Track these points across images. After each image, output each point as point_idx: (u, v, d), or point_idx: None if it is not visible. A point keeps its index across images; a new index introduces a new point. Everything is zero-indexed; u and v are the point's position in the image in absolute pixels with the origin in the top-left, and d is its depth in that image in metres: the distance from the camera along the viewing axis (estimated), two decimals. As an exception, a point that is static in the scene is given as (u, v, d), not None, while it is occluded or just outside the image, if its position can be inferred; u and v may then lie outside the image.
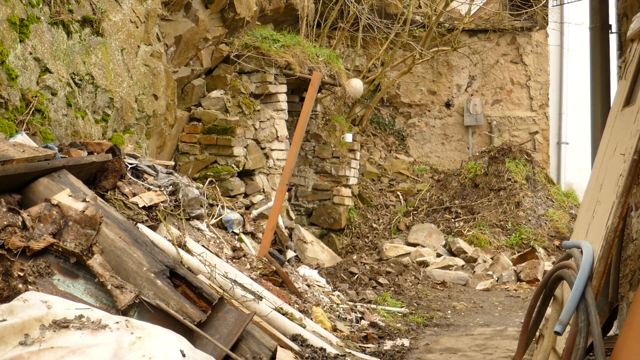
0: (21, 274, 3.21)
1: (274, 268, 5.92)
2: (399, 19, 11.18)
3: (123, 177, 5.09)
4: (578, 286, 3.14)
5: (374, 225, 10.25)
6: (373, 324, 6.07)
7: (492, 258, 9.06)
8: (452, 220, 10.18)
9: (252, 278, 5.43)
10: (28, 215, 3.53)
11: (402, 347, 5.46)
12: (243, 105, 8.24)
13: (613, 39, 5.27)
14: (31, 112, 4.85)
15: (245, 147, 8.09)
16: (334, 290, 7.04)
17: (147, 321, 3.16)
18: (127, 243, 3.64)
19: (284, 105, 8.80)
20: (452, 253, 9.37)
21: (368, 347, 5.41)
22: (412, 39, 11.27)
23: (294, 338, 4.73)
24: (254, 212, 7.33)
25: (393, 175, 11.35)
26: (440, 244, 9.59)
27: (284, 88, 8.74)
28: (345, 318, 6.07)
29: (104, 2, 6.03)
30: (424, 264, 8.85)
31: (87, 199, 3.81)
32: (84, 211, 3.62)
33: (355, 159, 10.24)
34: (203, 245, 5.49)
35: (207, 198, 6.49)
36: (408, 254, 9.16)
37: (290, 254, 7.38)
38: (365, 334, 5.73)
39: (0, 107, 4.60)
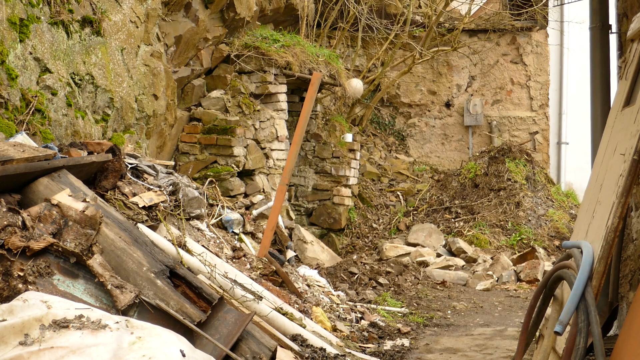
0: (21, 273, 3.21)
1: (274, 268, 5.92)
2: (399, 19, 11.18)
3: (123, 177, 5.09)
4: (578, 286, 3.14)
5: (374, 225, 10.24)
6: (373, 324, 6.07)
7: (492, 258, 9.06)
8: (452, 220, 10.18)
9: (252, 278, 5.43)
10: (28, 215, 3.53)
11: (402, 347, 5.46)
12: (243, 105, 8.24)
13: (613, 39, 5.27)
14: (31, 112, 4.84)
15: (245, 147, 8.09)
16: (334, 290, 7.04)
17: (147, 321, 3.16)
18: (127, 243, 3.64)
19: (284, 105, 8.79)
20: (452, 253, 9.36)
21: (368, 347, 5.40)
22: (412, 39, 11.27)
23: (294, 338, 4.73)
24: (254, 212, 7.33)
25: (393, 175, 11.35)
26: (440, 244, 9.59)
27: (284, 88, 8.74)
28: (345, 318, 6.07)
29: (104, 2, 6.03)
30: (424, 264, 8.84)
31: (87, 199, 3.81)
32: (84, 211, 3.62)
33: (355, 159, 10.24)
34: (203, 245, 5.49)
35: (207, 198, 6.48)
36: (408, 254, 9.16)
37: (290, 254, 7.38)
38: (365, 334, 5.72)
39: (0, 107, 4.60)
